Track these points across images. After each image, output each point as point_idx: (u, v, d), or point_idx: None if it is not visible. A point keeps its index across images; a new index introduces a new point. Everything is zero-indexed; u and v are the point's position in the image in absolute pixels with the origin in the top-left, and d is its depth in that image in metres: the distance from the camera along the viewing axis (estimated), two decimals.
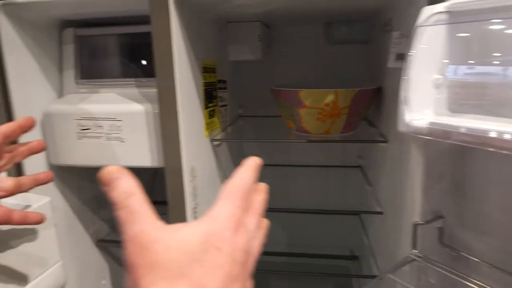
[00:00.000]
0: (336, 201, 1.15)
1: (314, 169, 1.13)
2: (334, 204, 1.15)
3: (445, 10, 0.37)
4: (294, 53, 1.05)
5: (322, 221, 1.16)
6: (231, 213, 0.27)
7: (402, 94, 0.37)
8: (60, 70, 0.75)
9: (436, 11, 0.37)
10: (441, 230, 0.49)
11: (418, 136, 0.37)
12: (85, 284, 0.84)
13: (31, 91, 0.68)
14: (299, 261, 1.18)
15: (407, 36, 0.59)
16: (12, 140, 0.48)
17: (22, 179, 0.49)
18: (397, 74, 0.65)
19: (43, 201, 0.57)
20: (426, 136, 0.37)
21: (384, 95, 0.77)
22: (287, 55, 1.06)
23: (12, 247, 0.51)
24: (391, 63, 0.65)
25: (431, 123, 0.36)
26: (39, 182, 0.51)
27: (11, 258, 0.51)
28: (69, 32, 0.74)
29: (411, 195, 0.53)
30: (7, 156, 0.48)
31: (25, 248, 0.53)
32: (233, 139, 0.95)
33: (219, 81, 0.84)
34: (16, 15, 0.64)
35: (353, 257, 1.16)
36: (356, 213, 1.09)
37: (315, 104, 0.74)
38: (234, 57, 0.92)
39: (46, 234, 0.57)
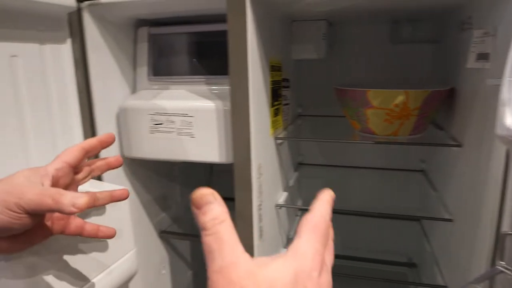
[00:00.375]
0: (394, 206, 1.11)
1: (372, 171, 1.10)
2: (392, 208, 1.11)
3: None
4: (356, 52, 1.03)
5: (379, 225, 1.13)
6: (317, 251, 0.27)
7: (504, 95, 0.35)
8: (134, 67, 0.79)
9: None
10: None
11: None
12: (147, 273, 0.88)
13: (109, 87, 0.72)
14: (354, 264, 1.16)
15: (493, 34, 0.56)
16: (92, 155, 0.49)
17: (98, 194, 0.49)
18: (476, 75, 0.63)
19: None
20: None
21: (457, 97, 0.74)
22: (349, 54, 1.04)
23: None
24: (471, 63, 0.62)
25: None
26: (115, 199, 0.50)
27: (91, 244, 0.54)
28: (144, 31, 0.77)
29: (491, 204, 0.50)
30: (86, 170, 0.50)
31: None
32: (297, 138, 0.95)
33: (284, 80, 0.84)
34: (100, 15, 0.68)
35: (411, 264, 1.12)
36: (418, 218, 1.05)
37: (384, 105, 0.72)
38: (298, 55, 0.91)
39: (124, 221, 0.60)
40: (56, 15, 0.60)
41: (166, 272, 0.96)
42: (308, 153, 1.14)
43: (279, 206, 0.83)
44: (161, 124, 0.69)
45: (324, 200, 0.32)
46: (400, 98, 0.71)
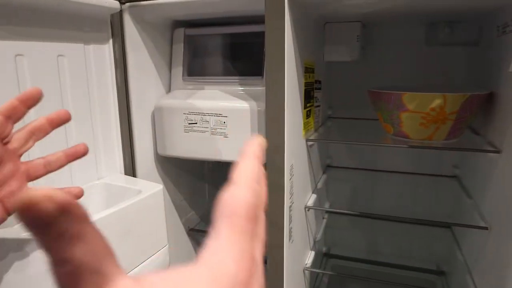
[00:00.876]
0: (424, 211, 1.09)
1: (403, 176, 1.08)
2: (422, 214, 1.09)
3: None
4: (390, 55, 1.01)
5: (408, 231, 1.11)
6: (242, 252, 0.19)
7: None
8: (170, 67, 0.80)
9: None
10: None
11: None
12: None
13: (146, 86, 0.74)
14: (380, 269, 1.14)
15: None
16: (16, 119, 0.40)
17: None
18: None
19: (157, 188, 0.61)
20: None
21: (497, 102, 0.72)
22: (382, 56, 1.02)
23: (131, 228, 0.56)
24: None
25: None
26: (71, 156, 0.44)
27: (129, 238, 0.56)
28: (180, 32, 0.79)
29: None
30: (22, 135, 0.41)
31: (142, 229, 0.58)
32: (328, 140, 0.94)
33: (316, 82, 0.84)
34: (139, 16, 0.69)
35: (440, 272, 1.09)
36: (451, 225, 1.02)
37: (420, 108, 0.71)
38: (331, 57, 0.91)
39: (158, 218, 0.62)
40: (100, 16, 0.63)
41: None
42: (336, 156, 1.13)
43: (307, 208, 0.83)
44: (195, 123, 0.70)
45: (249, 158, 0.23)
46: (437, 102, 0.69)
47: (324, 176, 1.04)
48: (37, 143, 0.44)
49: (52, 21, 0.54)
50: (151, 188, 0.60)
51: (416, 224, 1.09)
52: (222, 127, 0.68)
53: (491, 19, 0.81)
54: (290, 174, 0.67)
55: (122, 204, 0.54)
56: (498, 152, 0.68)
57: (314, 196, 0.88)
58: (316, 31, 0.86)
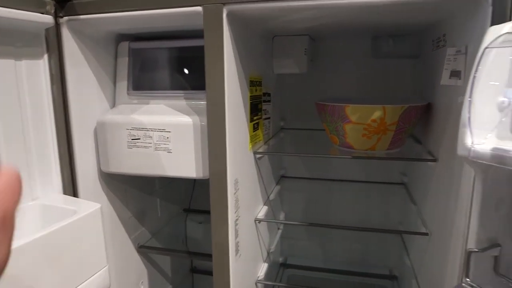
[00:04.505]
0: (377, 218, 1.12)
1: (356, 184, 1.11)
2: (375, 221, 1.12)
3: None
4: (338, 67, 1.04)
5: (362, 238, 1.14)
6: None
7: (464, 116, 0.36)
8: (114, 82, 0.79)
9: (504, 31, 0.36)
10: (496, 259, 0.46)
11: (478, 161, 0.36)
12: None
13: (88, 102, 0.72)
14: (336, 277, 1.15)
15: (464, 52, 0.57)
16: None
17: None
18: (450, 92, 0.64)
19: (94, 207, 0.59)
20: (487, 162, 0.35)
21: (434, 112, 0.75)
22: (331, 69, 1.05)
23: (65, 249, 0.54)
24: (445, 80, 0.63)
25: (494, 149, 0.35)
26: None
27: (63, 260, 0.54)
28: (124, 46, 0.77)
29: (463, 220, 0.51)
30: None
31: (76, 251, 0.56)
32: (276, 152, 0.95)
33: (264, 94, 0.84)
34: (79, 30, 0.67)
35: (392, 277, 1.12)
36: (399, 232, 1.05)
37: (362, 120, 0.73)
38: (280, 70, 0.92)
39: (96, 238, 0.59)
40: (33, 31, 0.60)
41: (144, 287, 0.94)
42: (290, 166, 1.14)
43: (258, 221, 0.83)
44: (138, 139, 0.69)
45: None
46: (377, 114, 0.72)
47: (278, 187, 1.04)
48: None
49: None
50: (87, 208, 0.58)
51: (370, 232, 1.12)
52: (166, 143, 0.67)
53: (428, 33, 0.85)
54: (235, 189, 0.66)
55: (53, 226, 0.51)
56: (434, 160, 0.71)
57: (265, 208, 0.88)
58: (264, 45, 0.87)
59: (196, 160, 0.67)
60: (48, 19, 0.61)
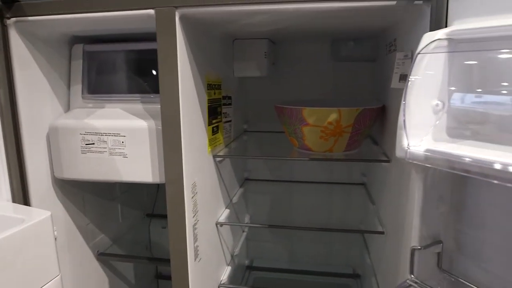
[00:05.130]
0: (339, 219, 1.14)
1: (318, 186, 1.13)
2: (338, 221, 1.14)
3: (445, 37, 0.38)
4: (299, 70, 1.06)
5: (325, 238, 1.16)
6: None
7: (400, 119, 0.38)
8: (68, 85, 0.76)
9: (436, 37, 0.37)
10: (439, 255, 0.48)
11: (414, 162, 0.37)
12: None
13: (39, 106, 0.69)
14: (301, 278, 1.17)
15: (410, 57, 0.60)
16: None
17: None
18: (400, 95, 0.66)
19: (44, 215, 0.57)
20: (422, 163, 0.36)
21: (387, 114, 0.77)
22: (292, 72, 1.06)
23: (11, 260, 0.52)
24: (395, 83, 0.66)
25: (428, 150, 0.36)
26: None
27: (10, 271, 0.51)
28: (78, 48, 0.75)
29: (411, 218, 0.53)
30: None
31: (25, 261, 0.54)
32: (235, 155, 0.95)
33: (224, 97, 0.84)
34: (29, 32, 0.65)
35: (356, 276, 1.15)
36: (358, 232, 1.08)
37: (318, 123, 0.74)
38: (240, 73, 0.93)
39: (46, 247, 0.57)
40: None
41: None
42: (254, 169, 1.15)
43: (220, 224, 0.83)
44: (92, 144, 0.67)
45: None
46: (333, 116, 0.73)
47: (241, 190, 1.04)
48: None
49: None
50: (37, 216, 0.56)
51: (331, 231, 1.14)
52: (121, 147, 0.66)
53: (382, 38, 0.88)
54: (193, 192, 0.66)
55: None
56: (388, 161, 0.73)
57: (227, 211, 0.88)
58: (224, 48, 0.87)
59: (152, 165, 0.66)
60: None
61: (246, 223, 1.13)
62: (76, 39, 0.77)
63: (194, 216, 0.66)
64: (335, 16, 0.63)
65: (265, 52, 0.92)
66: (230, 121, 0.90)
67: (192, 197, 0.65)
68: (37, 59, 0.69)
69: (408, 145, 0.37)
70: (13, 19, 0.63)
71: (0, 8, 0.61)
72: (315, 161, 1.10)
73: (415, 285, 0.45)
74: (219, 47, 0.82)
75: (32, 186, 0.68)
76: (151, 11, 0.57)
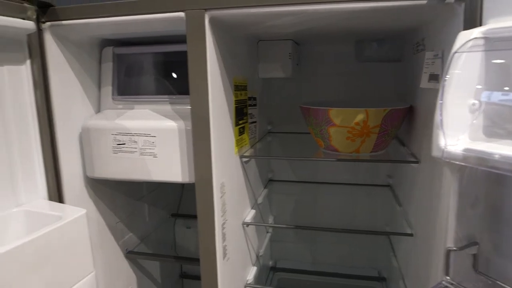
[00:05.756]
0: (364, 220, 1.13)
1: (343, 187, 1.12)
2: (363, 223, 1.13)
3: (482, 36, 0.37)
4: (324, 71, 1.06)
5: (350, 240, 1.15)
6: None
7: (437, 118, 0.37)
8: (99, 86, 0.79)
9: (472, 36, 0.37)
10: (475, 257, 0.47)
11: (451, 161, 0.37)
12: None
13: (72, 107, 0.72)
14: (325, 280, 1.16)
15: (441, 57, 0.59)
16: None
17: None
18: (430, 95, 0.65)
19: (79, 213, 0.59)
20: (460, 162, 0.36)
21: (415, 115, 0.76)
22: (317, 72, 1.06)
23: (49, 256, 0.54)
24: (424, 83, 0.65)
25: (466, 149, 0.36)
26: None
27: (48, 267, 0.53)
28: (108, 51, 0.78)
29: (443, 220, 0.52)
30: None
31: (62, 257, 0.55)
32: (261, 156, 0.96)
33: (250, 98, 0.85)
34: (62, 35, 0.68)
35: (381, 279, 1.13)
36: (385, 234, 1.07)
37: (345, 123, 0.74)
38: (265, 74, 0.93)
39: (81, 244, 0.59)
40: (14, 37, 0.60)
41: None
42: (278, 170, 1.15)
43: (246, 224, 0.83)
44: (123, 144, 0.69)
45: None
46: (360, 117, 0.73)
47: (266, 191, 1.05)
48: None
49: None
50: (73, 214, 0.58)
51: (356, 233, 1.13)
52: (151, 147, 0.67)
53: (409, 38, 0.87)
54: (221, 192, 0.67)
55: (37, 232, 0.51)
56: (417, 162, 0.72)
57: (253, 211, 0.88)
58: (249, 49, 0.88)
59: (181, 165, 0.67)
60: (30, 25, 0.61)
61: (271, 224, 1.13)
62: (106, 42, 0.79)
63: (222, 215, 0.67)
64: (362, 17, 0.63)
65: (289, 53, 0.92)
66: (255, 122, 0.90)
67: (221, 197, 0.66)
68: (69, 61, 0.71)
69: (445, 144, 0.36)
70: (48, 23, 0.65)
71: (36, 13, 0.63)
72: (340, 162, 1.09)
73: (451, 286, 0.44)
74: (244, 48, 0.83)
75: (66, 185, 0.70)
76: (182, 14, 0.59)
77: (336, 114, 0.74)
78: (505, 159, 0.34)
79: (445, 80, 0.37)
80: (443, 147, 0.37)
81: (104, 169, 0.71)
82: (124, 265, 0.90)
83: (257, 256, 0.98)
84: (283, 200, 1.17)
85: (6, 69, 0.59)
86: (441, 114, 0.36)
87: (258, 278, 0.95)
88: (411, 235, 0.76)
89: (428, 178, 0.65)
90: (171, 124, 0.66)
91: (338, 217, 1.15)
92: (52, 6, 0.64)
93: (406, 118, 0.80)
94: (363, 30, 0.83)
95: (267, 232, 1.10)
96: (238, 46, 0.78)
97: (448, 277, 0.46)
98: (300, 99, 1.07)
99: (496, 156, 0.34)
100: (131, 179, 0.70)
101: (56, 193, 0.68)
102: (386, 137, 0.78)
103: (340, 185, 1.12)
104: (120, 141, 0.69)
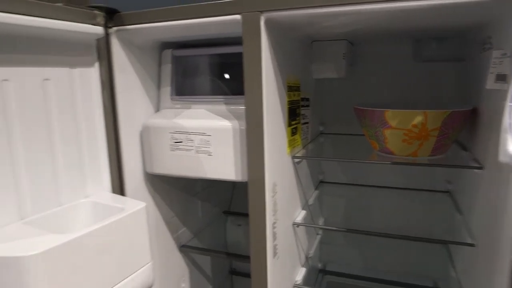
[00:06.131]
0: (420, 227, 1.08)
1: (397, 191, 1.08)
2: (418, 230, 1.08)
3: None
4: (378, 71, 1.03)
5: (404, 247, 1.10)
6: None
7: (505, 121, 0.35)
8: (158, 87, 0.83)
9: None
10: None
11: None
12: (166, 286, 0.90)
13: (134, 106, 0.76)
14: (376, 286, 1.13)
15: (510, 56, 0.55)
16: None
17: None
18: (496, 96, 0.61)
19: (140, 206, 0.62)
20: None
21: (479, 118, 0.72)
22: (371, 73, 1.04)
23: (112, 244, 0.58)
24: (490, 84, 0.61)
25: None
26: None
27: (110, 255, 0.57)
28: (167, 53, 0.81)
29: (510, 230, 0.48)
30: None
31: (123, 247, 0.59)
32: (313, 157, 0.95)
33: (303, 99, 0.85)
34: (127, 39, 0.72)
35: None
36: (443, 242, 1.01)
37: (402, 125, 0.71)
38: (318, 75, 0.93)
39: (141, 235, 0.63)
40: (86, 41, 0.65)
41: (185, 286, 0.98)
42: (329, 171, 1.13)
43: (296, 225, 0.84)
44: (180, 142, 0.72)
45: None
46: (418, 119, 0.70)
47: (317, 192, 1.04)
48: (25, 163, 0.53)
49: (37, 47, 0.57)
50: (133, 206, 0.62)
51: (412, 241, 1.08)
52: (207, 146, 0.70)
53: (472, 36, 0.82)
54: (273, 192, 0.68)
55: (102, 222, 0.55)
56: (481, 168, 0.68)
57: (303, 212, 0.88)
58: (302, 50, 0.87)
59: (235, 163, 0.68)
60: (99, 30, 0.66)
61: (321, 225, 1.12)
62: (165, 45, 0.83)
63: (274, 215, 0.68)
64: (422, 15, 0.60)
65: (343, 53, 0.90)
66: (307, 122, 0.90)
67: (273, 197, 0.67)
68: (133, 63, 0.75)
69: None
70: (114, 28, 0.70)
71: (104, 19, 0.68)
72: (394, 166, 1.06)
73: None
74: (298, 49, 0.83)
75: (127, 179, 0.75)
76: (238, 17, 0.60)
77: (392, 116, 0.72)
78: None
79: None
80: (511, 152, 0.34)
81: (162, 166, 0.75)
82: (177, 258, 0.94)
83: (307, 258, 0.97)
84: (334, 202, 1.15)
85: (78, 71, 0.64)
86: (509, 117, 0.34)
87: (307, 279, 0.95)
88: (472, 245, 0.71)
89: (493, 185, 0.61)
90: (226, 123, 0.68)
91: (391, 222, 1.11)
92: (119, 12, 0.69)
93: (469, 120, 0.75)
94: (422, 28, 0.80)
95: (317, 234, 1.10)
96: (292, 47, 0.78)
97: None
98: (353, 100, 1.05)
99: None
100: (187, 176, 0.73)
101: (119, 187, 0.73)
102: (446, 141, 0.74)
103: (394, 189, 1.08)
104: (177, 139, 0.72)
